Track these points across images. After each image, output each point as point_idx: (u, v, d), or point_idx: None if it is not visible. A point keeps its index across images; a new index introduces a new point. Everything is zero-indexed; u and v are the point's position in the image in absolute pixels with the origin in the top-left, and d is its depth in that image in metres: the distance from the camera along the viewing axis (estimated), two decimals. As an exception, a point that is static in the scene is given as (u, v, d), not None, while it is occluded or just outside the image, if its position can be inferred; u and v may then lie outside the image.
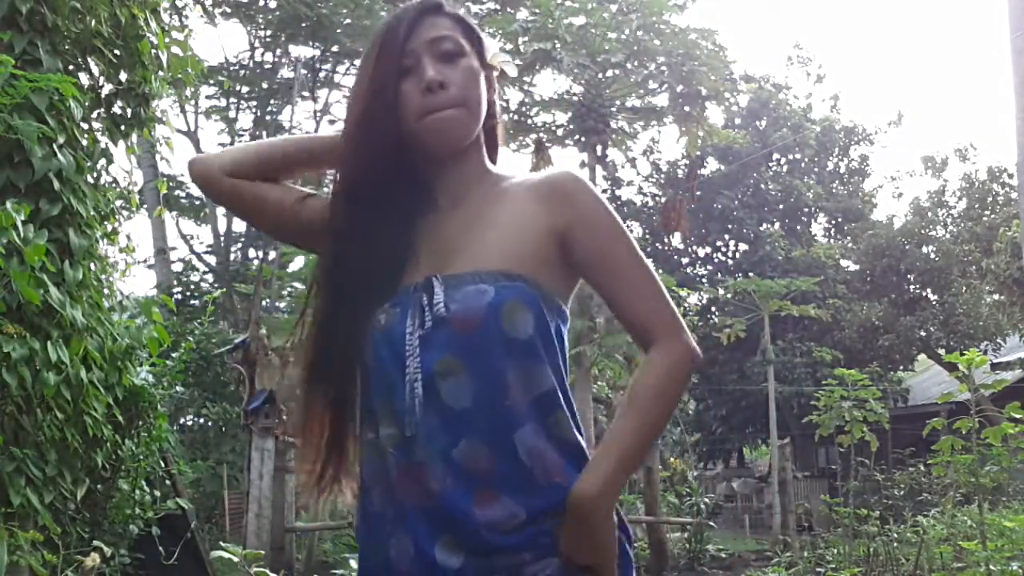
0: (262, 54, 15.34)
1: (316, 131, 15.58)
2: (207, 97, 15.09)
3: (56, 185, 3.45)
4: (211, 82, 14.36)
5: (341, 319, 1.31)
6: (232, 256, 15.47)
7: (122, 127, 4.18)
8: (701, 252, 23.86)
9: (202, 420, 10.12)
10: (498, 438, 1.22)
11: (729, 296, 16.64)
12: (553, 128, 12.15)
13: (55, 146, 3.45)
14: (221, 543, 5.18)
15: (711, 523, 12.79)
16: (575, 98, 11.35)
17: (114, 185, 4.11)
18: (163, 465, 5.12)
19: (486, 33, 1.44)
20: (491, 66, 1.40)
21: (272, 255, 12.93)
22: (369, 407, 1.29)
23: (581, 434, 1.29)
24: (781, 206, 22.72)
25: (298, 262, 12.59)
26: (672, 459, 16.16)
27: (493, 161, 1.43)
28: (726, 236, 23.17)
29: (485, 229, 1.30)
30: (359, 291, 1.30)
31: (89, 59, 3.99)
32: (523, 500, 1.22)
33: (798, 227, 22.83)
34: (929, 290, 19.37)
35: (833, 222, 23.58)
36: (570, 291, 1.36)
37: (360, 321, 1.29)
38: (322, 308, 1.34)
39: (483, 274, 1.25)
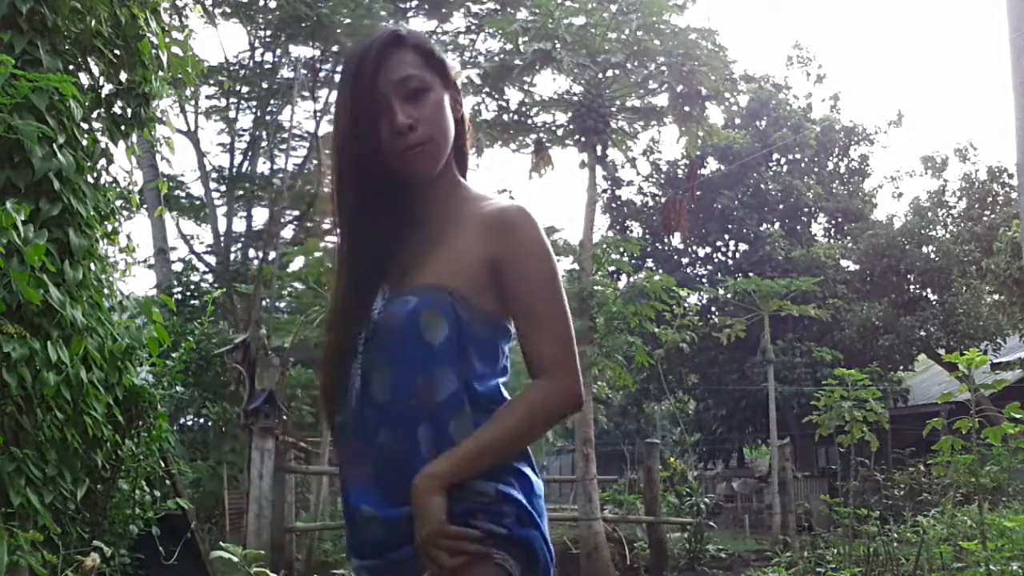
0: (262, 54, 15.33)
1: (316, 131, 15.58)
2: (207, 97, 15.07)
3: (56, 185, 3.45)
4: (211, 82, 14.34)
5: (348, 311, 1.52)
6: (232, 256, 15.45)
7: (122, 127, 4.18)
8: (701, 252, 23.85)
9: (202, 420, 10.10)
10: (406, 432, 1.42)
11: (729, 296, 16.62)
12: (553, 128, 12.13)
13: (55, 146, 3.45)
14: (221, 543, 5.19)
15: (711, 523, 12.78)
16: (575, 98, 11.33)
17: (114, 185, 4.11)
18: (163, 465, 5.12)
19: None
20: (456, 85, 1.55)
21: (272, 255, 12.92)
22: None
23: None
24: (781, 206, 22.70)
25: (298, 262, 12.58)
26: (672, 459, 16.15)
27: (463, 167, 1.60)
28: (726, 236, 23.15)
29: (439, 248, 1.49)
30: (357, 292, 1.52)
31: (89, 59, 3.99)
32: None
33: (798, 227, 22.81)
34: (929, 290, 19.36)
35: (833, 222, 23.57)
36: (509, 312, 1.50)
37: (357, 317, 1.51)
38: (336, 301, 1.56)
39: (417, 287, 1.45)
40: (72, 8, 3.73)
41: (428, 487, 1.36)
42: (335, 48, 14.82)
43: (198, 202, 15.96)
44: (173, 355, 5.18)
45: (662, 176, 23.62)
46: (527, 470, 1.46)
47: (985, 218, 18.16)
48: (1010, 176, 17.31)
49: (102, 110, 4.12)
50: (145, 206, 9.75)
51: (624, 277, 13.65)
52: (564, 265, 13.79)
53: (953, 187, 19.81)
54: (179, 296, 12.22)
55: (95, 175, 3.91)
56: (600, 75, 11.09)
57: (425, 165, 1.48)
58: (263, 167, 16.10)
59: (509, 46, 11.42)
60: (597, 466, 10.63)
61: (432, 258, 1.48)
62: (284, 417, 8.02)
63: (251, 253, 15.90)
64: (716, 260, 23.55)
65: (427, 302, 1.43)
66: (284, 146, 15.43)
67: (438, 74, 1.51)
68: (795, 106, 23.35)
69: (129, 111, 4.17)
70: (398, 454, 1.41)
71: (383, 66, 1.46)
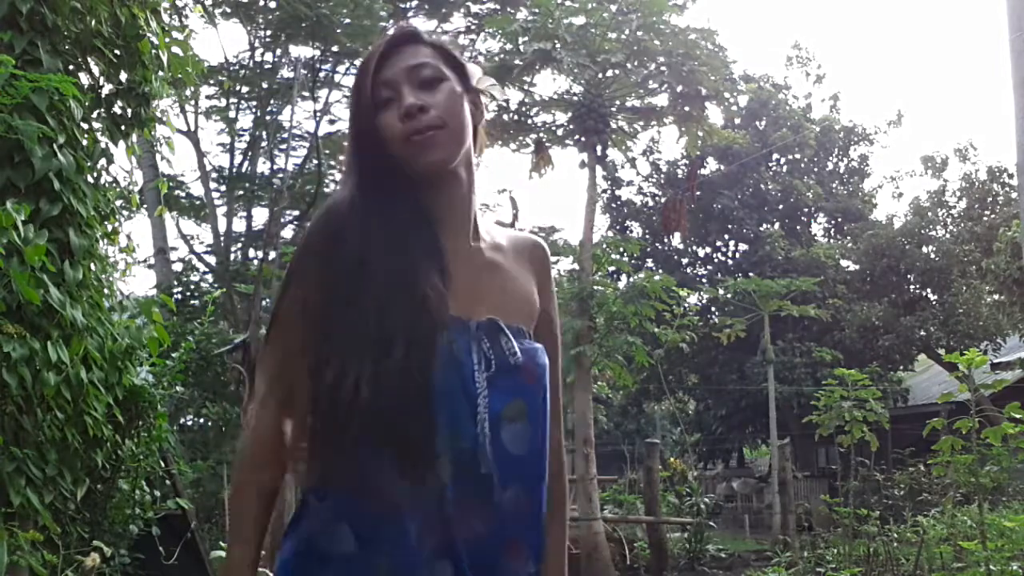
0: (262, 54, 15.32)
1: (316, 131, 15.59)
2: (207, 97, 15.05)
3: (56, 185, 3.45)
4: (211, 82, 14.33)
5: (410, 332, 1.23)
6: (232, 256, 15.44)
7: (122, 127, 4.17)
8: (701, 252, 23.84)
9: (202, 420, 10.10)
10: (534, 489, 1.32)
11: (729, 296, 16.63)
12: (553, 128, 12.14)
13: (55, 146, 3.45)
14: (221, 543, 5.18)
15: (711, 523, 12.80)
16: (575, 98, 11.34)
17: (114, 185, 4.11)
18: (163, 465, 5.12)
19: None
20: (478, 91, 1.41)
21: (272, 255, 12.91)
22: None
23: None
24: (781, 206, 22.70)
25: (298, 262, 12.56)
26: (672, 459, 16.16)
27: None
28: (726, 236, 23.15)
29: (503, 279, 1.39)
30: (418, 309, 1.24)
31: (89, 59, 3.99)
32: (534, 554, 1.32)
33: (798, 227, 22.81)
34: (929, 290, 19.35)
35: (833, 222, 23.56)
36: None
37: (430, 339, 1.24)
38: (375, 319, 1.23)
39: (525, 330, 1.36)
40: (72, 8, 3.73)
41: None
42: (335, 48, 14.82)
43: (198, 202, 15.96)
44: (173, 355, 5.18)
45: (662, 176, 23.61)
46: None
47: (985, 218, 18.14)
48: (1010, 176, 17.30)
49: (102, 110, 4.12)
50: (145, 206, 9.75)
51: (624, 277, 13.66)
52: (564, 265, 13.79)
53: (953, 187, 19.80)
54: (179, 296, 12.23)
55: (95, 175, 3.91)
56: (600, 75, 11.09)
57: (435, 152, 1.29)
58: (263, 167, 16.09)
59: (509, 46, 11.42)
60: (597, 466, 10.63)
61: (502, 290, 1.37)
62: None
63: (251, 253, 15.90)
64: (716, 260, 23.55)
65: (545, 352, 1.36)
66: (284, 146, 15.44)
67: (458, 75, 1.37)
68: (795, 106, 23.35)
69: (129, 111, 4.17)
70: (526, 512, 1.29)
71: (392, 56, 1.33)
